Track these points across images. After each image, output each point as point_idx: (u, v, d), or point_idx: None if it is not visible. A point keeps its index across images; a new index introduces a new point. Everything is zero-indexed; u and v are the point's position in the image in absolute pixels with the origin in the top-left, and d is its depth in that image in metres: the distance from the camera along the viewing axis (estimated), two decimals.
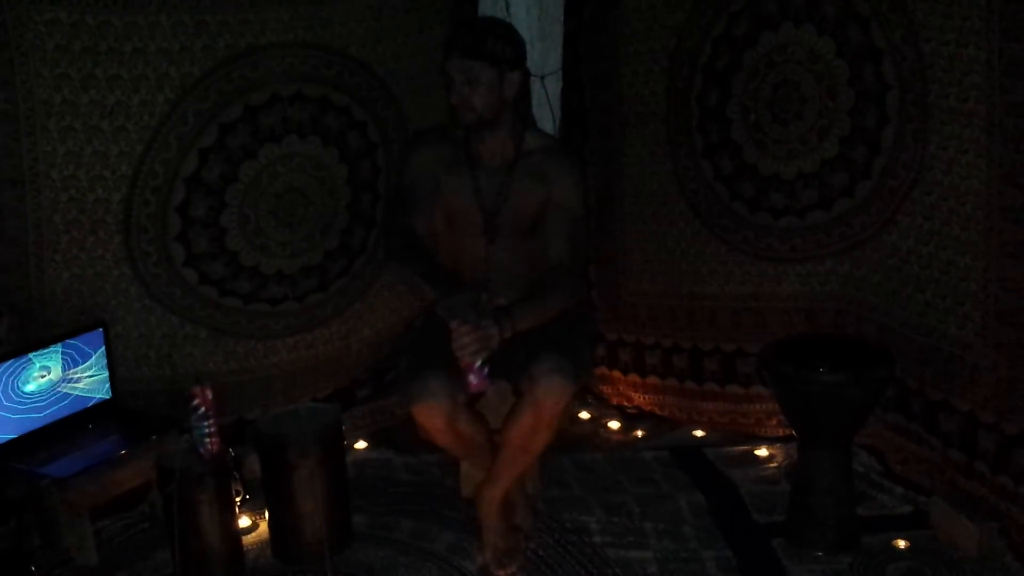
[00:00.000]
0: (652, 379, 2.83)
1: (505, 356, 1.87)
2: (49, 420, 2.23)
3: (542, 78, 2.77)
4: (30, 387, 2.18)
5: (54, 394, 2.24)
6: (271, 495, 2.17)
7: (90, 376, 2.31)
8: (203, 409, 2.04)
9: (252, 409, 2.55)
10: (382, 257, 2.65)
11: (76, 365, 2.27)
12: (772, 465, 2.51)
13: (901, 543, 2.11)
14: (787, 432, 2.56)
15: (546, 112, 2.83)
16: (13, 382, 2.15)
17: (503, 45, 1.96)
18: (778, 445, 2.58)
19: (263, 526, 2.25)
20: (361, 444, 2.71)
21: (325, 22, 2.43)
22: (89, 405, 2.30)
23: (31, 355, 2.17)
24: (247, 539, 2.21)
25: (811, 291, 2.49)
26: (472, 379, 1.87)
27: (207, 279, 2.46)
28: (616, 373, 2.91)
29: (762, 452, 2.57)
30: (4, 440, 2.13)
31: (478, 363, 1.85)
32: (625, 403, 2.91)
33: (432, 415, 1.91)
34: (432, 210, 2.06)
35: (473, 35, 1.97)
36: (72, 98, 2.16)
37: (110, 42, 2.16)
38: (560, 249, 2.01)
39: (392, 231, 2.07)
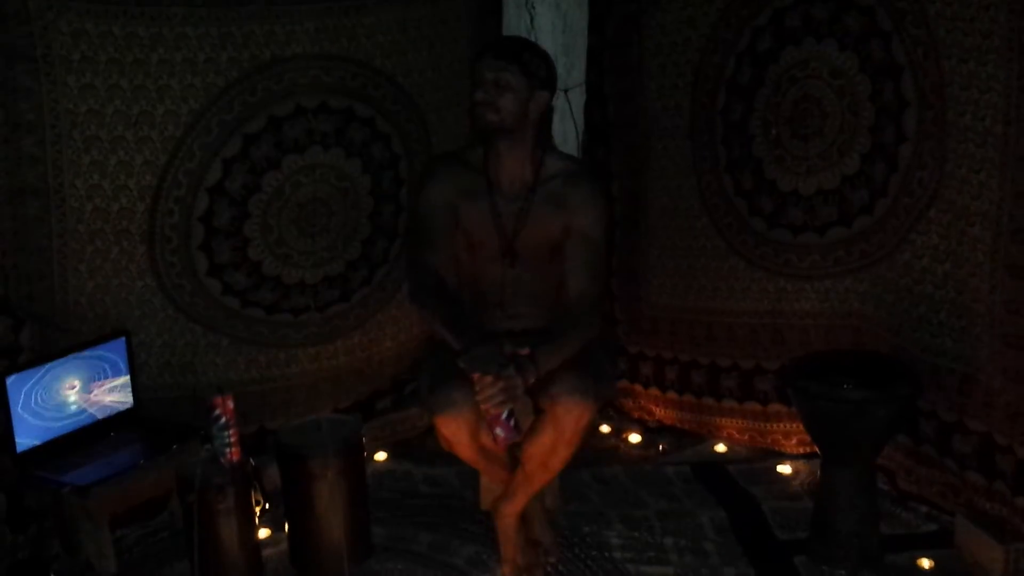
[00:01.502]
0: (671, 394, 2.85)
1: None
2: (71, 428, 2.26)
3: (566, 91, 2.81)
4: (56, 399, 2.21)
5: (77, 403, 2.27)
6: (291, 505, 2.20)
7: (113, 386, 2.34)
8: (224, 419, 2.07)
9: (273, 419, 2.59)
10: (406, 291, 2.64)
11: (100, 374, 2.30)
12: (795, 482, 2.53)
13: (925, 562, 2.12)
14: (809, 449, 2.57)
15: (569, 125, 2.87)
16: (38, 391, 2.18)
17: (538, 61, 2.01)
18: (801, 462, 2.60)
19: (283, 537, 2.27)
20: (381, 455, 2.74)
21: (351, 34, 2.47)
22: (111, 414, 2.34)
23: (55, 363, 2.20)
24: (266, 550, 2.23)
25: (830, 308, 2.51)
26: (498, 431, 1.85)
27: (230, 289, 2.50)
28: (637, 387, 2.93)
29: (785, 469, 2.59)
30: (26, 447, 2.16)
31: (504, 414, 1.83)
32: (646, 417, 2.93)
33: (456, 427, 1.92)
34: (451, 240, 2.06)
35: (510, 43, 2.06)
36: (97, 108, 2.21)
37: (136, 53, 2.21)
38: (579, 280, 2.01)
39: (414, 268, 2.09)
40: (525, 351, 1.85)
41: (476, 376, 1.80)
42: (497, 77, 1.95)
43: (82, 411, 2.28)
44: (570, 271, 2.02)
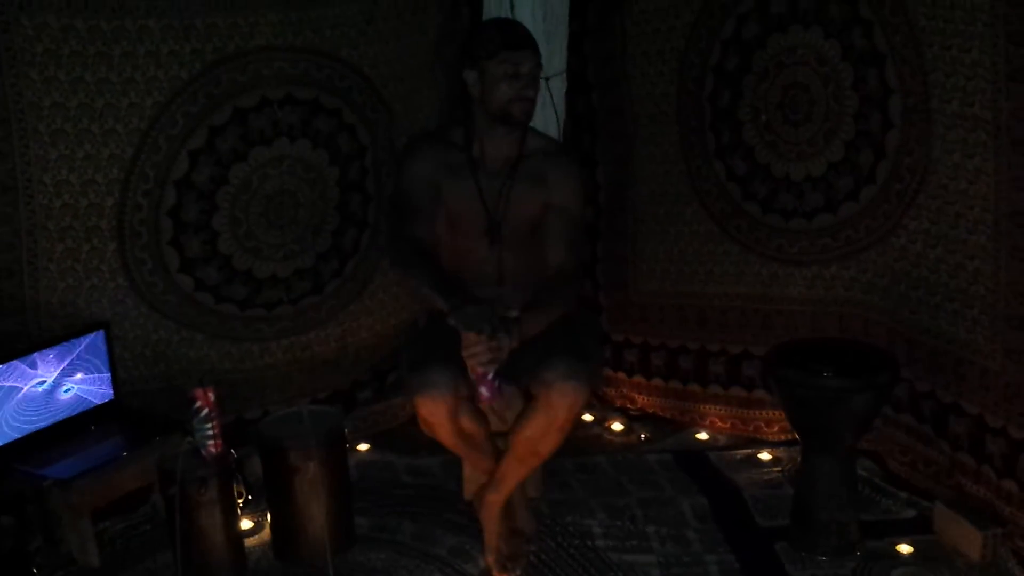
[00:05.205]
0: (656, 381, 2.98)
1: (513, 360, 1.94)
2: (51, 421, 2.38)
3: (547, 79, 2.86)
4: (36, 392, 2.33)
5: (56, 397, 2.38)
6: (273, 497, 2.32)
7: (93, 378, 2.46)
8: (205, 411, 2.17)
9: (250, 409, 2.72)
10: (388, 263, 2.76)
11: (80, 367, 2.42)
12: (776, 469, 2.65)
13: (904, 548, 2.24)
14: (790, 436, 2.71)
15: (550, 114, 2.93)
16: (17, 384, 2.29)
17: None
18: (782, 449, 2.72)
19: (265, 528, 2.40)
20: (363, 446, 2.87)
21: (316, 26, 2.55)
22: (91, 406, 2.46)
23: (34, 356, 2.31)
24: (249, 541, 2.36)
25: (817, 294, 2.63)
26: (483, 390, 1.96)
27: (202, 285, 2.62)
28: (620, 375, 3.06)
29: (765, 456, 2.72)
30: (7, 441, 2.28)
31: (490, 375, 1.93)
32: (628, 405, 3.06)
33: (435, 408, 2.00)
34: (434, 216, 2.17)
35: (524, 30, 2.14)
36: (62, 101, 2.30)
37: (99, 46, 2.31)
38: (559, 253, 2.13)
39: (396, 239, 2.17)
40: (514, 314, 1.95)
41: (465, 336, 1.89)
42: (533, 70, 2.09)
43: (62, 404, 2.39)
44: (550, 244, 2.14)
